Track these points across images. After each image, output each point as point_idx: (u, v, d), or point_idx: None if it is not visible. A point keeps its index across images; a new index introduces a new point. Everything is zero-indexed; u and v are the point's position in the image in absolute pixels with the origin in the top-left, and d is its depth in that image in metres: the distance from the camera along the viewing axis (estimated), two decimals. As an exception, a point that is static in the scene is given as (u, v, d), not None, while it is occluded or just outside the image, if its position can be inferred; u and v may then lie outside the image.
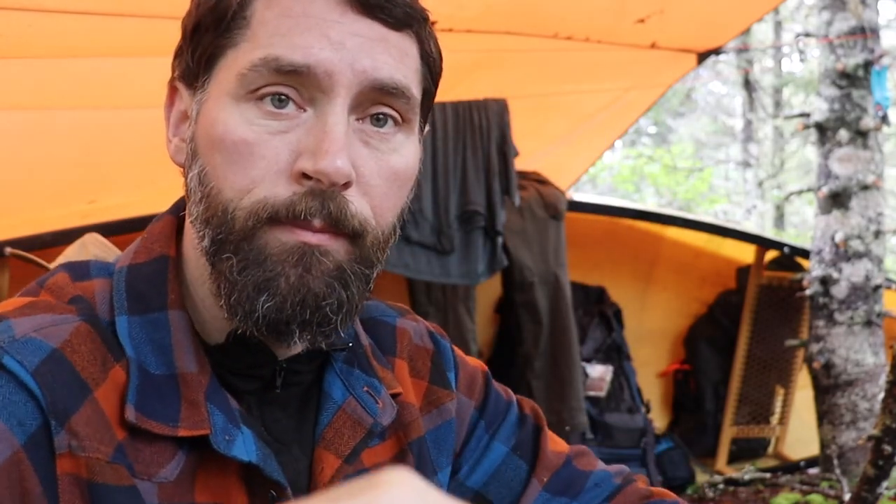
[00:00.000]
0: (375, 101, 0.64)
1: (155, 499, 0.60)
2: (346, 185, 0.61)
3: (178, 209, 0.71)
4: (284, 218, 0.60)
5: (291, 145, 0.61)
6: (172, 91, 0.70)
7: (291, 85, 0.61)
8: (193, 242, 0.66)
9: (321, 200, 0.60)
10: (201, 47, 0.65)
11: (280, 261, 0.61)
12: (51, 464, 0.57)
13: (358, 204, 0.63)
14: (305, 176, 0.60)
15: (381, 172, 0.64)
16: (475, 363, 0.88)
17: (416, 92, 0.66)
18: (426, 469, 0.77)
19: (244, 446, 0.62)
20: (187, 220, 0.67)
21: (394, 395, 0.77)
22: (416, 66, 0.67)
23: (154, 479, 0.60)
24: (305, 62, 0.60)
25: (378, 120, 0.64)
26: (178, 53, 0.68)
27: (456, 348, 0.87)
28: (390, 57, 0.63)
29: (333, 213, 0.61)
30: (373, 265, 0.65)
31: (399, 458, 0.75)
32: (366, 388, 0.74)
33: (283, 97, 0.61)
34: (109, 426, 0.60)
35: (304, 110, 0.62)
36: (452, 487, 0.82)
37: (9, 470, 0.55)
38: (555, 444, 0.86)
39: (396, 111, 0.65)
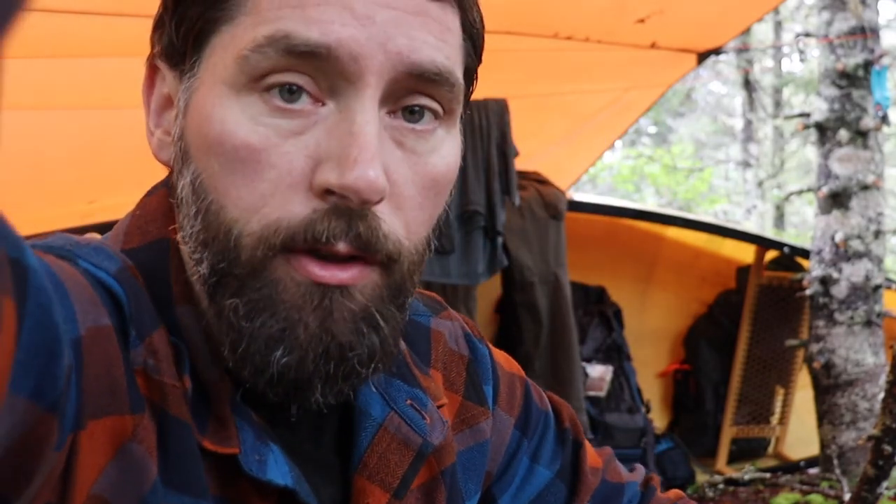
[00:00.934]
0: (411, 91, 0.51)
1: None
2: (379, 200, 0.49)
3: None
4: (302, 242, 0.48)
5: (308, 150, 0.49)
6: (152, 70, 0.57)
7: (306, 72, 0.49)
8: (187, 259, 0.54)
9: (347, 220, 0.48)
10: (188, 20, 0.52)
11: (296, 306, 0.49)
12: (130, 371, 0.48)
13: (391, 221, 0.51)
14: (328, 191, 0.48)
15: (417, 181, 0.52)
16: (511, 367, 0.76)
17: (460, 75, 0.53)
18: (456, 500, 0.65)
19: (277, 467, 0.51)
20: (179, 232, 0.55)
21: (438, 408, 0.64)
22: (459, 42, 0.54)
23: None
24: (325, 42, 0.48)
25: (413, 113, 0.52)
26: (159, 24, 0.55)
27: (494, 350, 0.75)
28: (430, 34, 0.51)
29: (363, 236, 0.49)
30: (407, 295, 0.54)
31: (430, 488, 0.63)
32: (409, 402, 0.61)
33: (294, 88, 0.49)
34: None
35: (323, 104, 0.50)
36: None
37: (100, 335, 0.46)
38: (592, 460, 0.78)
39: (437, 101, 0.52)
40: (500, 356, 0.76)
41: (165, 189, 0.58)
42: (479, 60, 0.58)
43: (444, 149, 0.54)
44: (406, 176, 0.52)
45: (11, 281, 0.35)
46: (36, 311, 0.38)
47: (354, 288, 0.50)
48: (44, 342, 0.38)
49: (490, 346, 0.75)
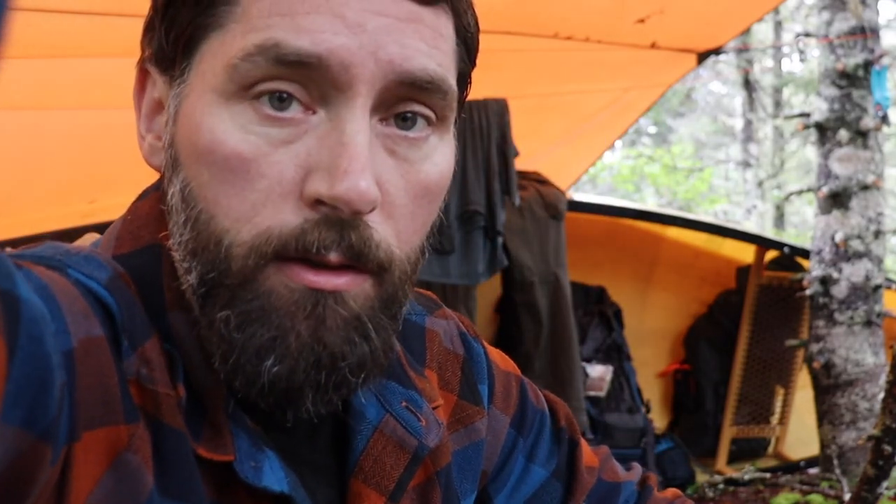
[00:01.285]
0: (403, 98, 0.51)
1: None
2: (371, 210, 0.49)
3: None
4: (293, 252, 0.48)
5: (299, 159, 0.48)
6: (143, 74, 0.57)
7: (296, 80, 0.48)
8: (178, 266, 0.53)
9: (339, 230, 0.48)
10: (177, 26, 0.51)
11: (288, 313, 0.49)
12: (123, 382, 0.47)
13: (382, 231, 0.50)
14: (319, 201, 0.48)
15: (409, 189, 0.52)
16: (507, 366, 0.76)
17: (453, 82, 0.53)
18: (451, 500, 0.65)
19: (272, 473, 0.51)
20: (170, 239, 0.54)
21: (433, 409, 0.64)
22: (453, 47, 0.53)
23: None
24: (315, 51, 0.47)
25: (405, 120, 0.51)
26: (149, 28, 0.54)
27: (489, 349, 0.75)
28: (423, 41, 0.50)
29: (355, 245, 0.49)
30: (399, 305, 0.53)
31: (425, 489, 0.62)
32: (404, 404, 0.61)
33: (284, 96, 0.48)
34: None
35: (314, 112, 0.49)
36: None
37: (92, 346, 0.45)
38: (588, 458, 0.78)
39: (430, 108, 0.52)
40: (496, 355, 0.76)
41: (157, 193, 0.57)
42: (474, 65, 0.57)
43: (437, 156, 0.53)
44: (398, 184, 0.51)
45: (1, 313, 0.35)
46: (27, 344, 0.37)
47: (348, 294, 0.50)
48: (35, 373, 0.38)
49: (485, 344, 0.75)
